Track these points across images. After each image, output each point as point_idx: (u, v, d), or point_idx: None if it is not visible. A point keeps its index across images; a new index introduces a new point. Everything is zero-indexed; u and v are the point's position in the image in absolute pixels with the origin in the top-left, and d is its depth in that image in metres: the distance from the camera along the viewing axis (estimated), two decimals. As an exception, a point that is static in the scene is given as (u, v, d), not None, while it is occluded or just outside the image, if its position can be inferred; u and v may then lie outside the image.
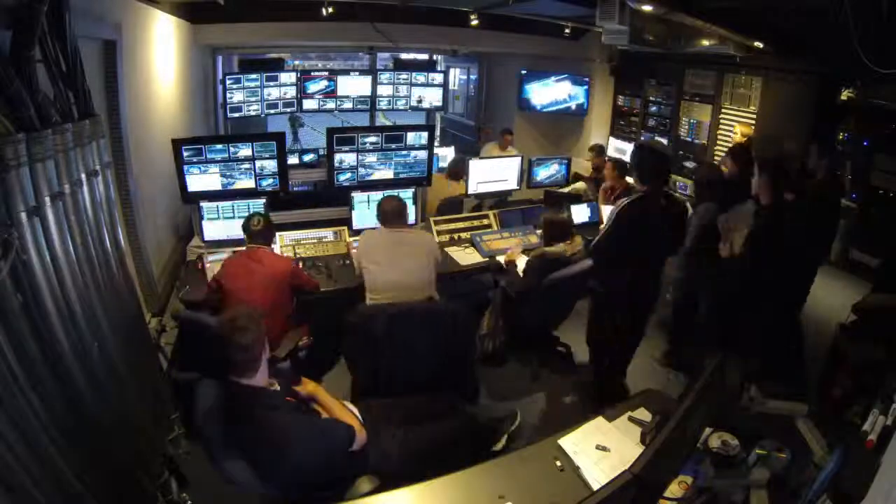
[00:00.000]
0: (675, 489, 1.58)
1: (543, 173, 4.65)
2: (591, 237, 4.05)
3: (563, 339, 3.50)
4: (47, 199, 1.40)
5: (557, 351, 3.47)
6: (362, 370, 2.43)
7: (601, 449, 1.77)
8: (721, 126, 4.78)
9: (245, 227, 2.72)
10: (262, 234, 2.70)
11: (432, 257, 2.85)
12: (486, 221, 3.96)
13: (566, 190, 4.79)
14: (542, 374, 3.30)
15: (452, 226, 3.84)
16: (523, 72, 6.38)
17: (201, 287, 2.83)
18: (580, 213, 4.18)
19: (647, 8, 2.93)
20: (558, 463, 1.72)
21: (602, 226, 2.81)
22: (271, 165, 3.45)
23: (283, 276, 2.64)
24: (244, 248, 2.72)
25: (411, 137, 3.81)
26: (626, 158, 3.78)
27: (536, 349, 3.40)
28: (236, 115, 5.33)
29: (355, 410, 2.01)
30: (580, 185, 4.88)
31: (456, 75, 8.15)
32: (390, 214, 2.80)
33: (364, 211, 3.60)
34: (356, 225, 3.57)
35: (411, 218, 3.72)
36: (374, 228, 3.04)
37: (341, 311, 2.43)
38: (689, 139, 5.21)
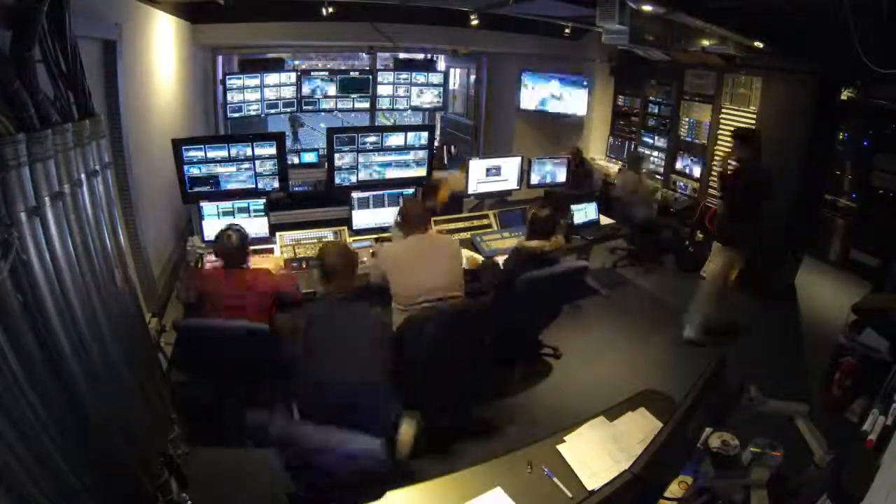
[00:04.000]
0: (675, 489, 1.58)
1: (543, 173, 4.64)
2: (591, 237, 4.10)
3: (553, 343, 3.50)
4: (47, 199, 1.40)
5: (544, 353, 3.47)
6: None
7: (601, 448, 1.77)
8: (721, 126, 4.79)
9: (220, 247, 2.53)
10: (235, 256, 2.52)
11: (457, 258, 2.76)
12: (486, 221, 3.96)
13: None
14: (532, 376, 3.29)
15: (452, 226, 3.84)
16: (523, 72, 6.38)
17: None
18: (581, 214, 4.19)
19: (647, 8, 2.93)
20: (558, 463, 1.72)
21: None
22: (271, 165, 3.45)
23: (266, 291, 2.55)
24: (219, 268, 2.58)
25: (411, 137, 3.81)
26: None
27: (523, 353, 3.38)
28: (236, 115, 5.34)
29: None
30: None
31: (456, 75, 8.16)
32: (415, 220, 2.69)
33: (364, 211, 3.59)
34: (356, 225, 3.57)
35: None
36: (389, 241, 2.96)
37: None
38: (689, 139, 5.22)
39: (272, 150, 3.43)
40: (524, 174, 4.45)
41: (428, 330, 2.38)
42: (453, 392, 2.76)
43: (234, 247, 2.51)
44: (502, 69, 6.84)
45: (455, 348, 2.54)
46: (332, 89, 5.77)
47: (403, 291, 2.60)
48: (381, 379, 1.94)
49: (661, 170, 5.56)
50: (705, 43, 3.90)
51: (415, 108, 6.28)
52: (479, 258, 3.40)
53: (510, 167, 4.32)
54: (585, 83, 6.15)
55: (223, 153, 3.31)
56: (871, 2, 2.44)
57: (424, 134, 3.86)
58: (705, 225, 4.93)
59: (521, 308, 2.95)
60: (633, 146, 5.93)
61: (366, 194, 3.59)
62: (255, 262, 3.19)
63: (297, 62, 7.98)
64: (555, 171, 4.65)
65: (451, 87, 7.90)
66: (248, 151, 3.37)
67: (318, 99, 5.74)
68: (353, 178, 3.71)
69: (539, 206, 3.09)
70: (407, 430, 2.14)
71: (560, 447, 1.77)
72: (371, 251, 3.18)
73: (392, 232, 3.23)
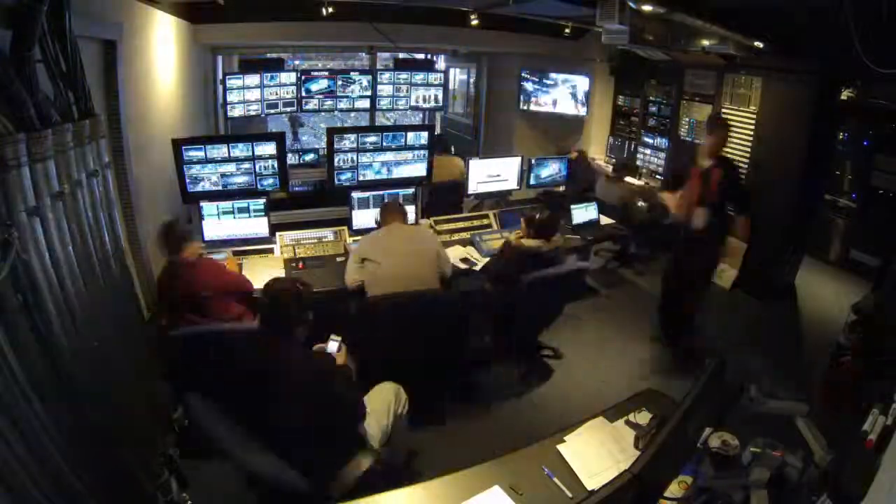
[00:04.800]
0: (675, 489, 1.58)
1: (543, 173, 4.64)
2: (591, 237, 4.10)
3: (554, 344, 3.51)
4: (47, 199, 1.40)
5: (545, 355, 3.47)
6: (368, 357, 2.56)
7: (601, 448, 1.77)
8: (721, 126, 4.78)
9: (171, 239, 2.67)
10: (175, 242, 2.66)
11: (434, 252, 2.85)
12: (486, 221, 3.96)
13: None
14: (532, 376, 3.29)
15: (452, 226, 3.84)
16: (523, 72, 6.38)
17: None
18: (581, 214, 4.19)
19: (647, 8, 2.93)
20: (558, 463, 1.72)
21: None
22: (271, 165, 3.45)
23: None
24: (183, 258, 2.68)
25: (411, 137, 3.81)
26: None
27: (523, 354, 3.39)
28: (236, 115, 5.34)
29: None
30: None
31: (456, 75, 8.15)
32: (393, 212, 2.92)
33: (364, 211, 3.59)
34: (356, 225, 3.57)
35: (411, 218, 3.72)
36: (373, 230, 3.03)
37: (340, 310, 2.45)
38: (689, 139, 5.22)
39: (272, 150, 3.43)
40: (524, 174, 4.45)
41: (386, 311, 2.46)
42: (432, 386, 2.77)
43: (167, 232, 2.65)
44: (502, 69, 6.83)
45: (424, 338, 2.60)
46: (332, 89, 5.76)
47: (373, 279, 2.67)
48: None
49: (661, 170, 5.57)
50: (705, 43, 3.90)
51: (415, 108, 6.28)
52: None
53: (510, 167, 4.32)
54: (585, 83, 6.14)
55: (223, 153, 3.31)
56: (871, 2, 2.43)
57: (424, 134, 3.86)
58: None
59: (523, 308, 2.96)
60: (633, 146, 5.92)
61: (366, 194, 3.60)
62: (255, 262, 3.21)
63: (297, 62, 7.98)
64: (555, 172, 4.65)
65: (451, 87, 7.90)
66: (248, 151, 3.37)
67: (319, 99, 5.73)
68: (353, 178, 3.71)
69: (539, 208, 3.12)
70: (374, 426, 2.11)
71: (560, 447, 1.78)
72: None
73: None
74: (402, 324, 2.56)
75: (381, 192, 3.62)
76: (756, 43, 3.73)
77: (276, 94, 5.49)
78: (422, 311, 2.59)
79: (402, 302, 2.51)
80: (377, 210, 3.57)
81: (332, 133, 3.65)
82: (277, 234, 3.41)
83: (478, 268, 3.40)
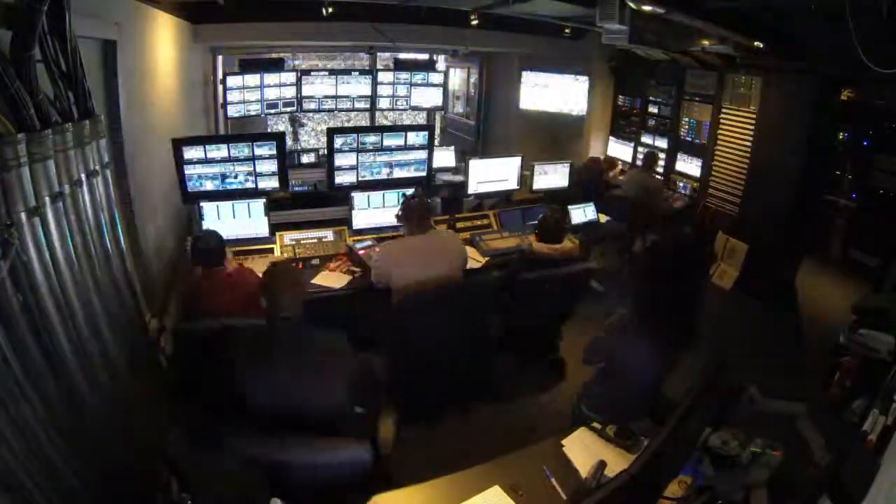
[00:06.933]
0: (675, 489, 1.58)
1: (544, 176, 4.62)
2: (591, 237, 4.09)
3: (563, 343, 3.49)
4: (47, 199, 1.40)
5: (554, 352, 3.46)
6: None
7: (601, 449, 1.77)
8: (721, 126, 4.78)
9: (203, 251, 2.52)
10: (217, 254, 2.53)
11: (460, 261, 2.80)
12: (486, 221, 3.96)
13: None
14: (533, 377, 3.29)
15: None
16: (523, 72, 6.38)
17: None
18: (579, 214, 4.18)
19: (647, 8, 2.93)
20: (558, 462, 1.72)
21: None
22: (271, 165, 3.45)
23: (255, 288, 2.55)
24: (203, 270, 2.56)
25: (411, 137, 3.81)
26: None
27: (532, 351, 3.39)
28: (236, 115, 5.34)
29: None
30: None
31: (456, 75, 8.16)
32: (416, 219, 2.71)
33: (364, 211, 3.59)
34: (356, 225, 3.57)
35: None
36: (395, 238, 2.99)
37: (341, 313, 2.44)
38: (689, 139, 5.22)
39: (272, 150, 3.43)
40: (525, 176, 4.44)
41: (410, 304, 2.46)
42: (452, 384, 2.77)
43: (210, 248, 2.49)
44: (502, 69, 6.83)
45: (449, 330, 2.59)
46: (332, 89, 5.77)
47: (399, 289, 2.64)
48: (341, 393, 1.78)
49: (662, 170, 5.56)
50: (705, 43, 3.90)
51: (415, 108, 6.28)
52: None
53: (510, 167, 4.32)
54: (585, 83, 6.14)
55: (223, 153, 3.31)
56: (871, 2, 2.43)
57: (424, 134, 3.86)
58: (705, 225, 4.93)
59: (530, 307, 2.97)
60: (634, 146, 5.93)
61: (366, 194, 3.59)
62: (255, 262, 3.20)
63: (297, 62, 7.98)
64: (557, 176, 4.63)
65: (451, 87, 7.90)
66: (248, 151, 3.37)
67: (319, 99, 5.74)
68: (353, 179, 3.71)
69: (553, 209, 3.11)
70: (387, 427, 2.08)
71: (564, 441, 1.78)
72: (374, 249, 3.18)
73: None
74: (430, 319, 2.55)
75: (380, 193, 3.62)
76: (756, 43, 3.73)
77: (277, 94, 5.49)
78: (451, 302, 2.61)
79: (430, 297, 2.53)
80: (377, 210, 3.60)
81: (332, 133, 3.65)
82: (277, 234, 3.41)
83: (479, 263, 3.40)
